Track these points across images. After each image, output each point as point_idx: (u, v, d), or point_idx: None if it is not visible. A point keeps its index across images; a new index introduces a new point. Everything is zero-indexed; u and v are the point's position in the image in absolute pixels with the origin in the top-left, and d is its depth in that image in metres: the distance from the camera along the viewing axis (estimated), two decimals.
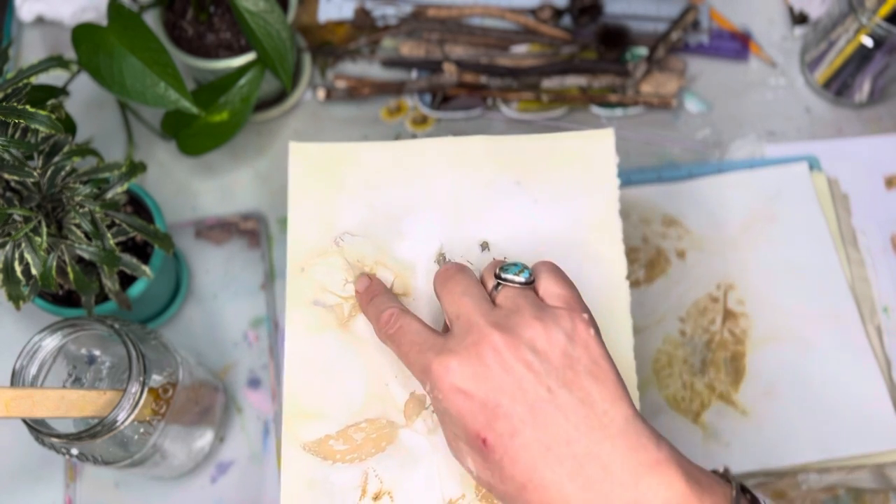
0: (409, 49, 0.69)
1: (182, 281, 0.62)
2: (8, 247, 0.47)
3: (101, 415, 0.46)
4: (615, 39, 0.67)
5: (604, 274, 0.47)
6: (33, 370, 0.47)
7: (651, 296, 0.61)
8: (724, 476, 0.38)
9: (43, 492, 0.57)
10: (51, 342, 0.47)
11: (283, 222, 0.64)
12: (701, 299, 0.60)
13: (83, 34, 0.54)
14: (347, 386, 0.46)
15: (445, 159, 0.50)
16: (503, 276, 0.41)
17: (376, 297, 0.45)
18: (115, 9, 0.54)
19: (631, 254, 0.62)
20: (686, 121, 0.68)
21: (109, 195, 0.51)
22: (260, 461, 0.57)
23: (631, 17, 0.70)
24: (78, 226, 0.49)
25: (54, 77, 0.54)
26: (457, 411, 0.37)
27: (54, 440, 0.45)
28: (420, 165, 0.50)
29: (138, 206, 0.57)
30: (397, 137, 0.67)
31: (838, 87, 0.67)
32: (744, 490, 0.37)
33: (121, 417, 0.45)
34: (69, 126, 0.55)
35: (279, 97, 0.67)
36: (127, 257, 0.51)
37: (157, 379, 0.48)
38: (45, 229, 0.47)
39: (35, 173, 0.46)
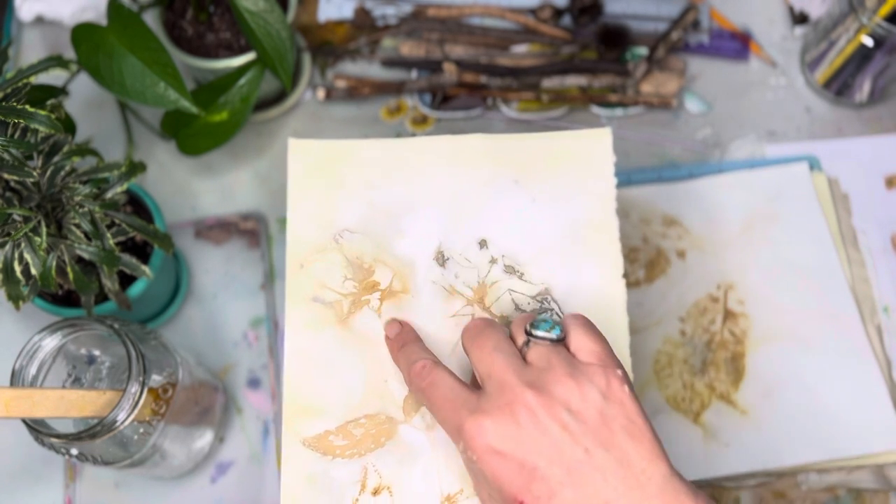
0: (409, 49, 0.69)
1: (182, 281, 0.62)
2: (8, 247, 0.47)
3: (101, 415, 0.46)
4: (615, 39, 0.67)
5: (601, 272, 0.48)
6: (33, 370, 0.47)
7: (651, 296, 0.61)
8: None
9: (43, 492, 0.57)
10: (50, 342, 0.47)
11: (282, 222, 0.64)
12: (701, 299, 0.60)
13: (83, 34, 0.54)
14: (346, 382, 0.46)
15: (444, 157, 0.50)
16: (534, 332, 0.41)
17: (407, 345, 0.45)
18: (114, 9, 0.54)
19: (631, 254, 0.62)
20: (686, 121, 0.68)
21: (109, 195, 0.51)
22: (260, 461, 0.57)
23: (631, 16, 0.70)
24: (78, 226, 0.49)
25: (54, 77, 0.54)
26: (492, 473, 0.37)
27: (54, 440, 0.45)
28: (419, 163, 0.50)
29: (138, 206, 0.57)
30: (398, 137, 0.67)
31: (838, 86, 0.67)
32: None
33: (120, 417, 0.45)
34: (69, 126, 0.55)
35: (279, 97, 0.67)
36: (127, 257, 0.51)
37: (156, 379, 0.48)
38: (44, 229, 0.47)
39: (35, 173, 0.46)
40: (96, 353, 0.51)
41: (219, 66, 0.60)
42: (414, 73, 0.69)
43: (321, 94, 0.67)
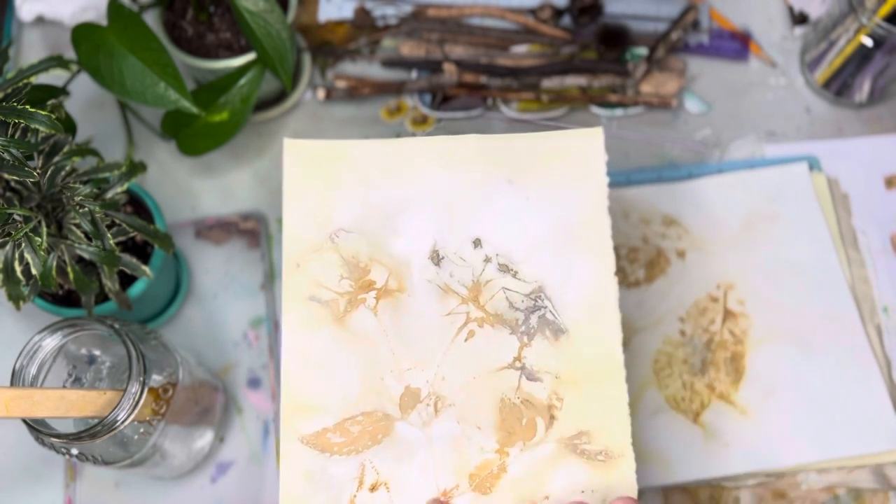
0: (409, 49, 0.69)
1: (182, 281, 0.62)
2: (8, 247, 0.47)
3: (101, 415, 0.46)
4: (615, 39, 0.67)
5: (593, 269, 0.48)
6: (33, 370, 0.47)
7: (651, 296, 0.61)
8: None
9: (43, 492, 0.57)
10: (51, 342, 0.47)
11: (282, 222, 0.64)
12: (701, 299, 0.60)
13: (83, 34, 0.54)
14: (343, 380, 0.47)
15: (439, 158, 0.50)
16: None
17: None
18: (115, 9, 0.54)
19: (631, 254, 0.62)
20: (686, 121, 0.68)
21: (109, 195, 0.51)
22: (260, 461, 0.57)
23: (631, 17, 0.70)
24: (78, 226, 0.49)
25: (54, 77, 0.54)
26: None
27: (54, 440, 0.45)
28: (414, 163, 0.50)
29: (138, 206, 0.57)
30: (397, 137, 0.67)
31: (838, 87, 0.67)
32: None
33: (121, 417, 0.45)
34: (69, 126, 0.55)
35: (279, 97, 0.67)
36: (127, 257, 0.51)
37: (157, 379, 0.48)
38: (45, 229, 0.47)
39: (35, 173, 0.46)
40: (97, 353, 0.51)
41: (219, 67, 0.60)
42: (414, 74, 0.69)
43: (321, 94, 0.67)
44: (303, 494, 0.45)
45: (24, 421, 0.45)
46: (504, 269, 0.48)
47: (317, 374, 0.47)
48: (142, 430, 0.47)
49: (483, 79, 0.67)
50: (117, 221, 0.51)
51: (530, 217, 0.49)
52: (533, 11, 0.69)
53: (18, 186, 0.48)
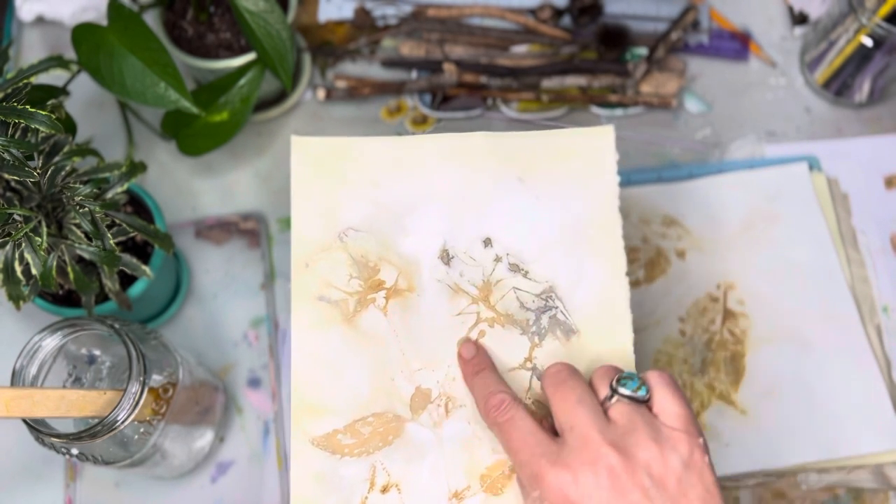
0: (409, 49, 0.69)
1: (182, 281, 0.62)
2: (8, 247, 0.47)
3: (101, 415, 0.46)
4: (615, 39, 0.67)
5: (604, 269, 0.48)
6: (33, 370, 0.47)
7: (651, 296, 0.61)
8: None
9: (43, 492, 0.57)
10: (51, 342, 0.47)
11: (283, 222, 0.64)
12: (701, 299, 0.60)
13: (83, 34, 0.54)
14: (353, 381, 0.46)
15: (448, 155, 0.50)
16: (620, 390, 0.41)
17: (484, 372, 0.45)
18: (115, 9, 0.54)
19: (631, 254, 0.62)
20: (686, 121, 0.68)
21: (109, 195, 0.51)
22: (260, 461, 0.57)
23: (631, 17, 0.70)
24: (78, 226, 0.49)
25: (54, 77, 0.54)
26: None
27: (54, 440, 0.45)
28: (423, 161, 0.50)
29: (138, 206, 0.57)
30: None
31: (838, 87, 0.67)
32: None
33: (121, 417, 0.45)
34: (69, 126, 0.55)
35: (279, 97, 0.67)
36: (127, 257, 0.51)
37: (157, 379, 0.48)
38: (45, 229, 0.47)
39: (35, 173, 0.46)
40: (97, 352, 0.51)
41: (219, 67, 0.60)
42: (414, 74, 0.69)
43: (321, 94, 0.67)
44: (314, 497, 0.44)
45: (25, 421, 0.45)
46: (515, 268, 0.48)
47: (326, 375, 0.46)
48: (142, 429, 0.47)
49: (483, 79, 0.67)
50: (117, 221, 0.51)
51: (541, 216, 0.49)
52: (533, 11, 0.69)
53: (18, 186, 0.48)
